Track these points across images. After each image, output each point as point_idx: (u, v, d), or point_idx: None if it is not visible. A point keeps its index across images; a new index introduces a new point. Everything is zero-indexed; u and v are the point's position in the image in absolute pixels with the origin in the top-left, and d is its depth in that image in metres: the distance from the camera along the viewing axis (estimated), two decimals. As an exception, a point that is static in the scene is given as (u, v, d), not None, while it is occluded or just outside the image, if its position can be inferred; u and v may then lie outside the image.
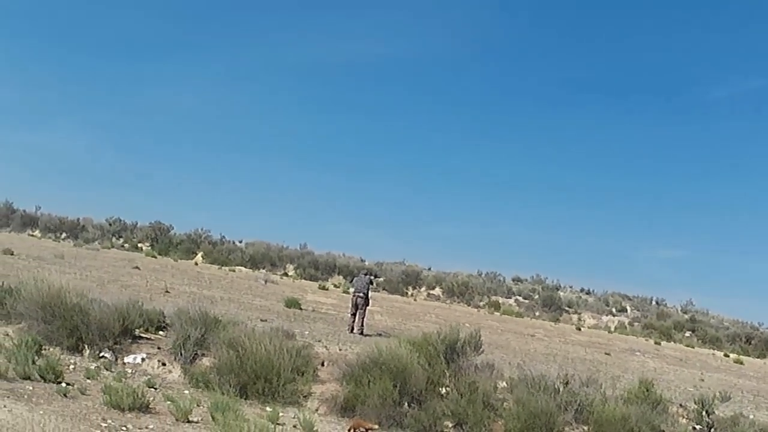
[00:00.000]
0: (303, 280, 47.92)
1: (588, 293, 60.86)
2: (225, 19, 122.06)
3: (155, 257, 46.40)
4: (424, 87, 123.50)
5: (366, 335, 22.72)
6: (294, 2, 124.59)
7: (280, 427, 14.09)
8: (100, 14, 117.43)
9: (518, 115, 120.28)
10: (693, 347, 44.09)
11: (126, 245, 55.07)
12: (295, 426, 14.17)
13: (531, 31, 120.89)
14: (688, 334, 50.49)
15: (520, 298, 54.98)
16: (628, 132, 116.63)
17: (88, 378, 15.17)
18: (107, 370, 16.18)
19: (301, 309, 27.81)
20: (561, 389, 16.98)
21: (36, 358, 15.15)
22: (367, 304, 23.90)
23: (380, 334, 23.29)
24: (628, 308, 57.47)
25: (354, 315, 23.49)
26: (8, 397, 12.78)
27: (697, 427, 18.19)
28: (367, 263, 57.19)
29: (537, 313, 50.65)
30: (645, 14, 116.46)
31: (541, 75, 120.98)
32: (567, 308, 54.10)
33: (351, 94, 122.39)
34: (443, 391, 17.01)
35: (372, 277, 26.75)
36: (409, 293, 52.23)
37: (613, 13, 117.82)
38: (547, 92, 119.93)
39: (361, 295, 23.48)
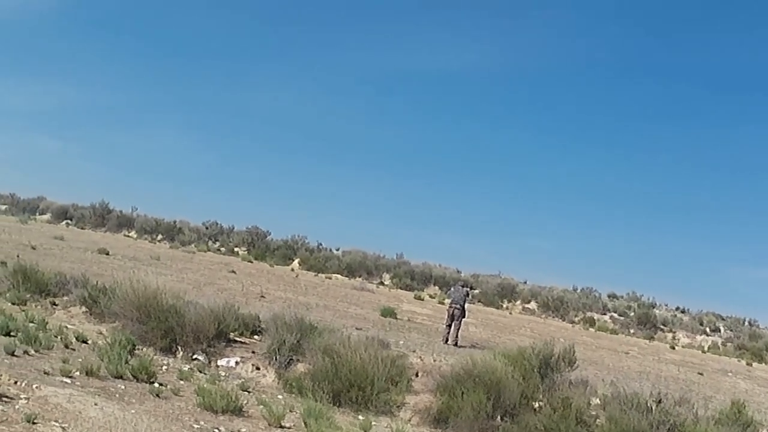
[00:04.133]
0: (399, 290, 47.85)
1: (683, 312, 59.43)
2: (326, 24, 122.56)
3: (251, 262, 47.07)
4: (530, 97, 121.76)
5: (460, 347, 22.45)
6: (405, 7, 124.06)
7: (372, 436, 13.98)
8: (202, 17, 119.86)
9: (616, 126, 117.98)
10: (784, 370, 42.77)
11: (222, 249, 55.95)
12: (387, 436, 14.03)
13: (639, 40, 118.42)
14: (779, 356, 49.07)
15: (615, 315, 53.85)
16: (724, 148, 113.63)
17: (181, 379, 15.28)
18: (200, 372, 16.30)
19: (396, 318, 27.71)
20: (653, 408, 16.55)
21: (129, 357, 15.28)
22: (464, 316, 23.59)
23: (474, 346, 23.02)
24: (722, 328, 55.90)
25: (449, 326, 23.22)
26: (100, 395, 12.89)
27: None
28: (463, 275, 56.64)
29: (632, 331, 49.64)
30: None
31: (638, 86, 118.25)
32: (662, 326, 52.90)
33: (453, 102, 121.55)
34: (536, 405, 16.69)
35: (468, 289, 26.48)
36: (504, 306, 51.71)
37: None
38: (646, 102, 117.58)
39: (458, 306, 23.20)
